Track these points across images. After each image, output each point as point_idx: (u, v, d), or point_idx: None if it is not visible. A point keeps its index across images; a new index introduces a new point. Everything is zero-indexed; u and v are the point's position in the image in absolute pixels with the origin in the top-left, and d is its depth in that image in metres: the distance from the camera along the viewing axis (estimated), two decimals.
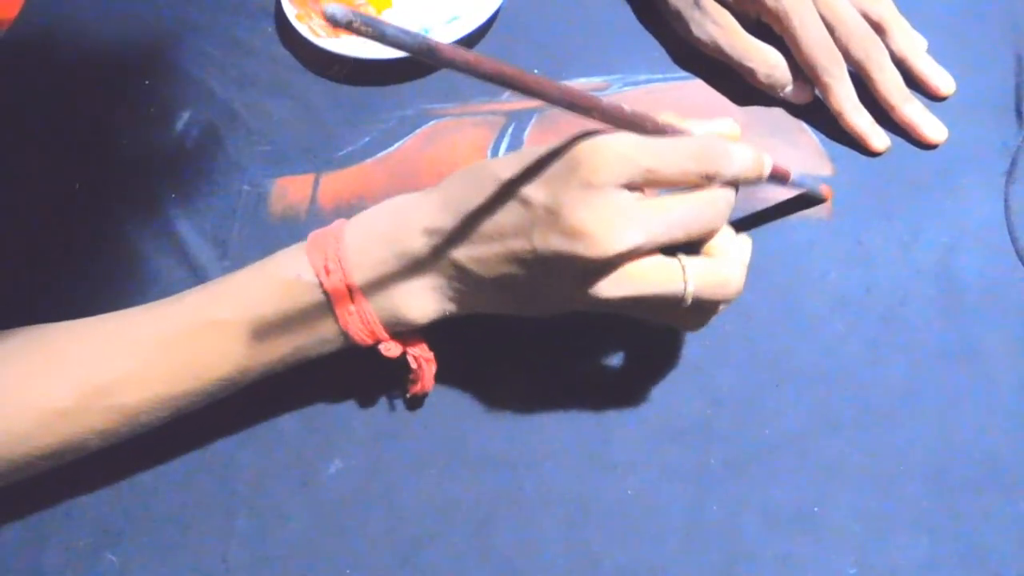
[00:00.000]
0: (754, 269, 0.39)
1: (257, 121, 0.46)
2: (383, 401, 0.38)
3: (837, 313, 0.38)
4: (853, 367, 0.37)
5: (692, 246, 0.32)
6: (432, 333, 0.35)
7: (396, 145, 0.45)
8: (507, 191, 0.31)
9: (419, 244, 0.33)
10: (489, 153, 0.44)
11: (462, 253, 0.32)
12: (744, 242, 0.33)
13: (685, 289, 0.30)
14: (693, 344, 0.38)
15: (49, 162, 0.46)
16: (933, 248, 0.39)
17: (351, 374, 0.37)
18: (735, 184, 0.32)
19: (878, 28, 0.42)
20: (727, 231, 0.32)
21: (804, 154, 0.42)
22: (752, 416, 0.37)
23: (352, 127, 0.45)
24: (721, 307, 0.32)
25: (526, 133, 0.44)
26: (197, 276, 0.42)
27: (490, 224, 0.31)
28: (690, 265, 0.31)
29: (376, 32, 0.22)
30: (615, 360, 0.38)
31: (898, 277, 0.39)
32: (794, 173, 0.36)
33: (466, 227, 0.32)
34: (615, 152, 0.30)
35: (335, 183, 0.44)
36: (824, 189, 0.41)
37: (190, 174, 0.45)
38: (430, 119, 0.45)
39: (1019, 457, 0.35)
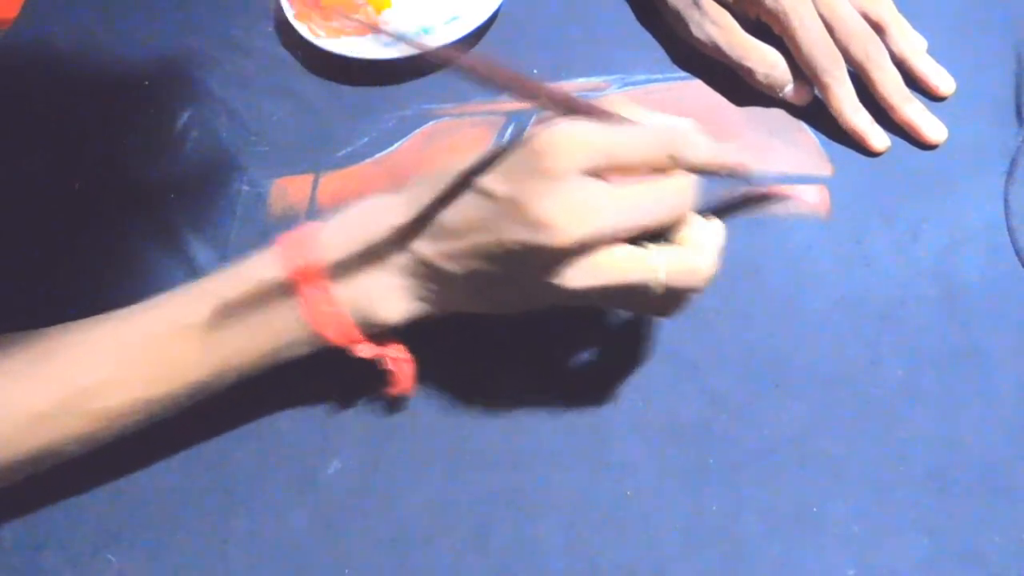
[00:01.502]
0: (753, 269, 0.39)
1: (256, 121, 0.46)
2: (382, 401, 0.38)
3: (836, 313, 0.38)
4: (852, 368, 0.37)
5: (662, 234, 0.31)
6: (431, 333, 0.35)
7: (395, 145, 0.45)
8: (469, 185, 0.31)
9: (388, 243, 0.33)
10: None
11: (429, 250, 0.32)
12: (716, 228, 0.33)
13: (654, 278, 0.30)
14: (692, 344, 0.38)
15: (48, 162, 0.46)
16: (933, 248, 0.39)
17: (351, 373, 0.37)
18: (699, 171, 0.31)
19: (878, 28, 0.42)
20: (696, 218, 0.32)
21: (804, 154, 0.42)
22: (751, 417, 0.37)
23: (351, 127, 0.46)
24: (692, 295, 0.32)
25: (526, 133, 0.44)
26: (197, 276, 0.41)
27: (454, 219, 0.31)
28: (658, 254, 0.30)
29: None
30: (614, 360, 0.38)
31: (897, 277, 0.39)
32: (759, 171, 0.35)
33: (432, 224, 0.32)
34: (574, 138, 0.29)
35: (334, 183, 0.44)
36: (810, 197, 0.40)
37: (189, 174, 0.45)
38: (429, 119, 0.45)
39: (1019, 458, 0.35)
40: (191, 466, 0.38)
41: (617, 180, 0.31)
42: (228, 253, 0.42)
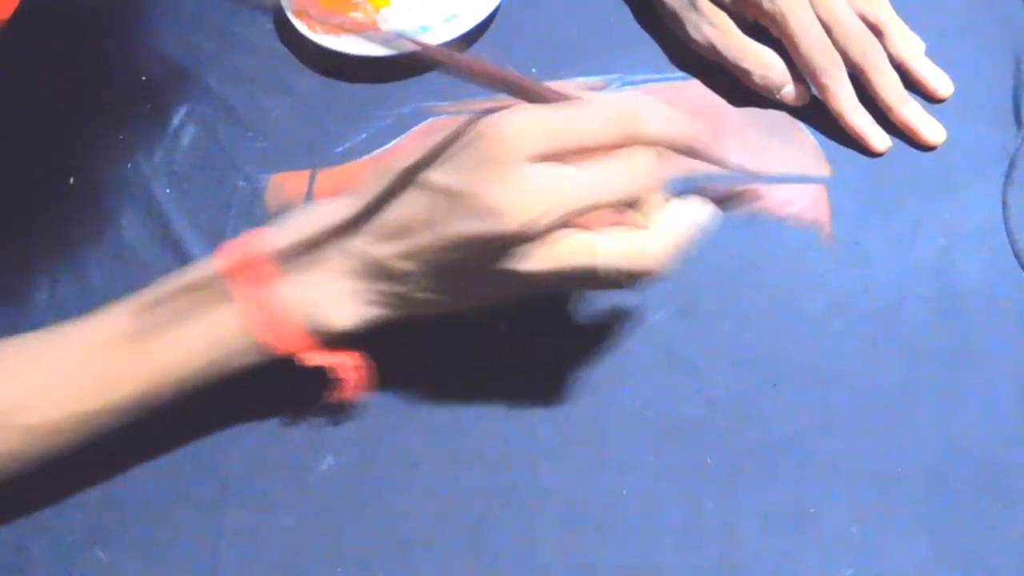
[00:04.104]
0: (752, 269, 0.39)
1: (254, 117, 0.46)
2: (376, 397, 0.38)
3: (835, 314, 0.38)
4: (851, 368, 0.37)
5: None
6: (427, 332, 0.35)
7: (393, 143, 0.45)
8: (410, 181, 0.30)
9: (331, 247, 0.32)
10: None
11: (378, 250, 0.31)
12: (687, 209, 0.32)
13: (603, 262, 0.30)
14: (690, 344, 0.38)
15: (44, 158, 0.46)
16: (931, 249, 0.39)
17: None
18: (662, 145, 0.31)
19: (876, 30, 0.42)
20: (659, 198, 0.31)
21: (802, 155, 0.42)
22: (749, 416, 0.36)
23: (349, 124, 0.45)
24: (652, 275, 0.31)
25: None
26: None
27: (403, 217, 0.31)
28: (600, 238, 0.30)
29: None
30: (611, 359, 0.38)
31: (896, 278, 0.39)
32: (726, 158, 0.34)
33: (378, 223, 0.31)
34: (522, 124, 0.29)
35: (331, 180, 0.44)
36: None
37: (186, 170, 0.45)
38: (427, 117, 0.45)
39: (1018, 458, 0.35)
40: (182, 462, 0.37)
41: (575, 161, 0.30)
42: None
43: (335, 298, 0.32)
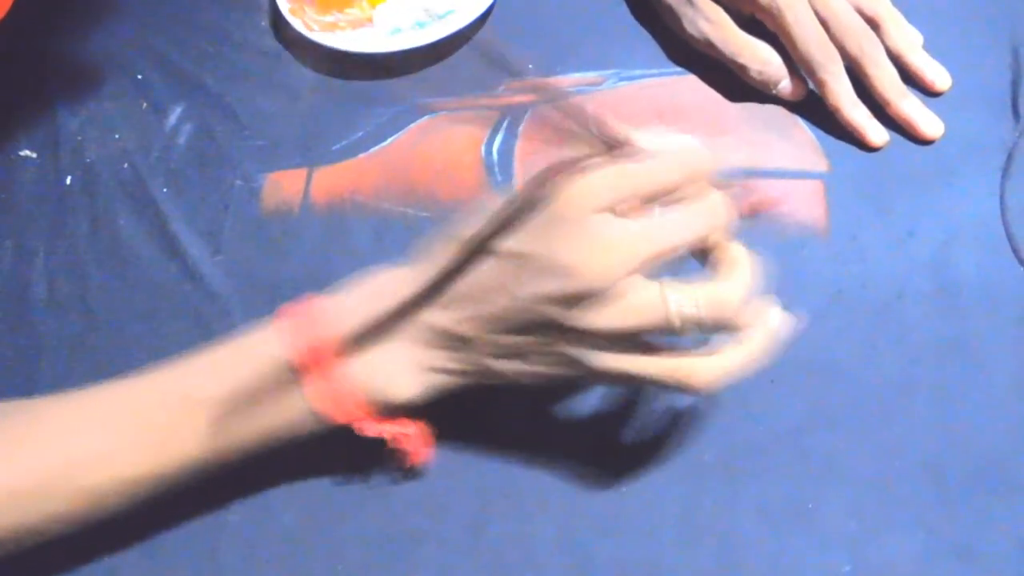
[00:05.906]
0: None
1: (250, 115, 0.46)
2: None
3: (833, 309, 0.38)
4: (848, 363, 0.37)
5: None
6: None
7: (390, 140, 0.45)
8: (479, 249, 0.30)
9: (398, 316, 0.32)
10: (483, 149, 0.44)
11: (445, 318, 0.31)
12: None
13: (668, 313, 0.29)
14: (688, 339, 0.38)
15: (41, 157, 0.46)
16: (929, 243, 0.39)
17: None
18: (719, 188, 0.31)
19: (873, 23, 0.42)
20: (727, 243, 0.31)
21: (799, 150, 0.42)
22: (747, 412, 0.36)
23: (346, 122, 0.45)
24: (728, 327, 0.31)
25: (520, 129, 0.44)
26: (189, 271, 0.42)
27: (472, 285, 0.31)
28: (671, 289, 0.29)
29: None
30: None
31: (894, 273, 0.39)
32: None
33: (447, 292, 0.31)
34: (584, 180, 0.29)
35: (328, 178, 0.44)
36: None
37: (183, 169, 0.45)
38: (424, 114, 0.45)
39: (1015, 453, 0.35)
40: None
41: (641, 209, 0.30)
42: (221, 248, 0.42)
43: (399, 370, 0.32)
